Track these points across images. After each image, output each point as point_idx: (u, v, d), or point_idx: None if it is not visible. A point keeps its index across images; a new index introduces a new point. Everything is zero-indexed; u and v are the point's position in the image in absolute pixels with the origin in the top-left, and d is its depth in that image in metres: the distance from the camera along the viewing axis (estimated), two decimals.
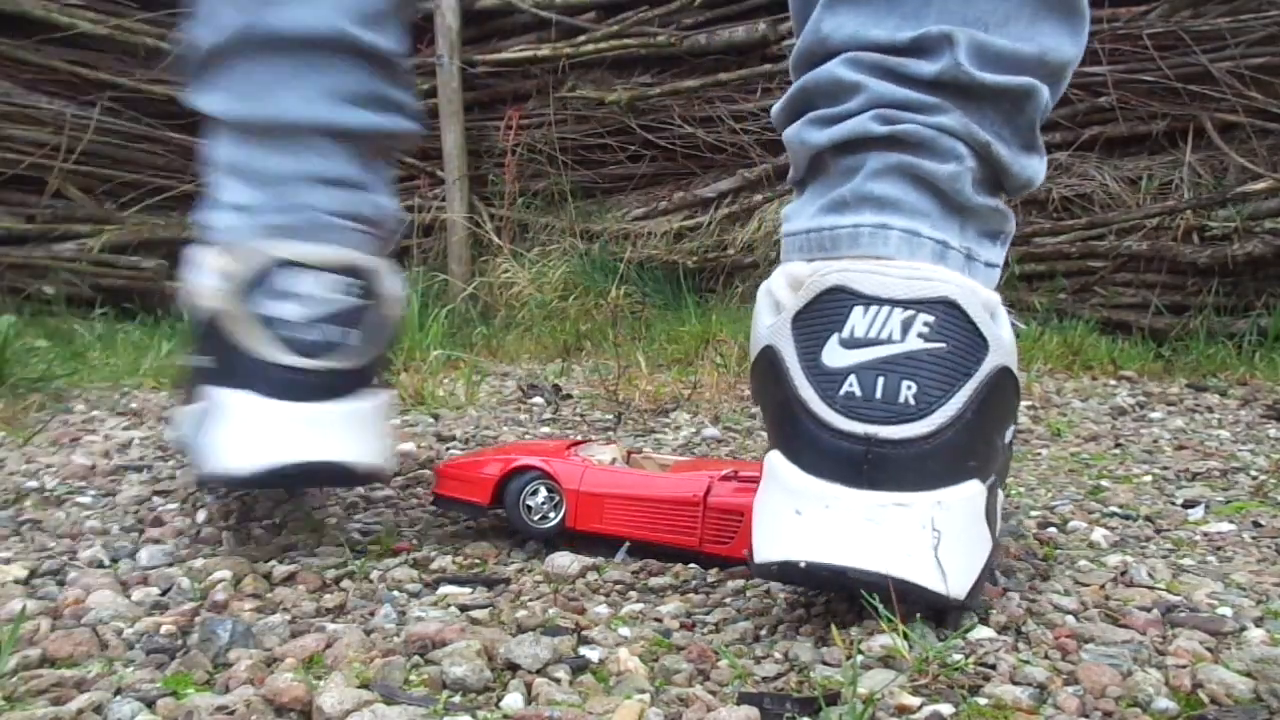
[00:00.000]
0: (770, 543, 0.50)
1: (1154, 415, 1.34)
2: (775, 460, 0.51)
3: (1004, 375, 0.50)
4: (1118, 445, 1.13)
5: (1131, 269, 2.18)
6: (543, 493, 0.67)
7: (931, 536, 0.47)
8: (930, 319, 0.48)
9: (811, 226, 0.53)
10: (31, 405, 1.24)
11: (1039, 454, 1.07)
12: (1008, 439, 0.53)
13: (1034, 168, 0.56)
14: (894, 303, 0.49)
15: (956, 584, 0.48)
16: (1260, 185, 2.07)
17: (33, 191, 2.59)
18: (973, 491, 0.49)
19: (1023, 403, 1.38)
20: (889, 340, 0.49)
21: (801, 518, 0.49)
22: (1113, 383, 1.64)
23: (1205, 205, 2.11)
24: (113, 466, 0.92)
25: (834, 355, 0.49)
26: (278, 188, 0.64)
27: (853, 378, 0.49)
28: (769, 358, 0.52)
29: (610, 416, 1.22)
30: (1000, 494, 0.56)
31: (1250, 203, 2.07)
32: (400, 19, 0.67)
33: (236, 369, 0.62)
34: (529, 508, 0.67)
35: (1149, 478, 0.95)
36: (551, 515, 0.66)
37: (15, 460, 0.95)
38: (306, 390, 0.62)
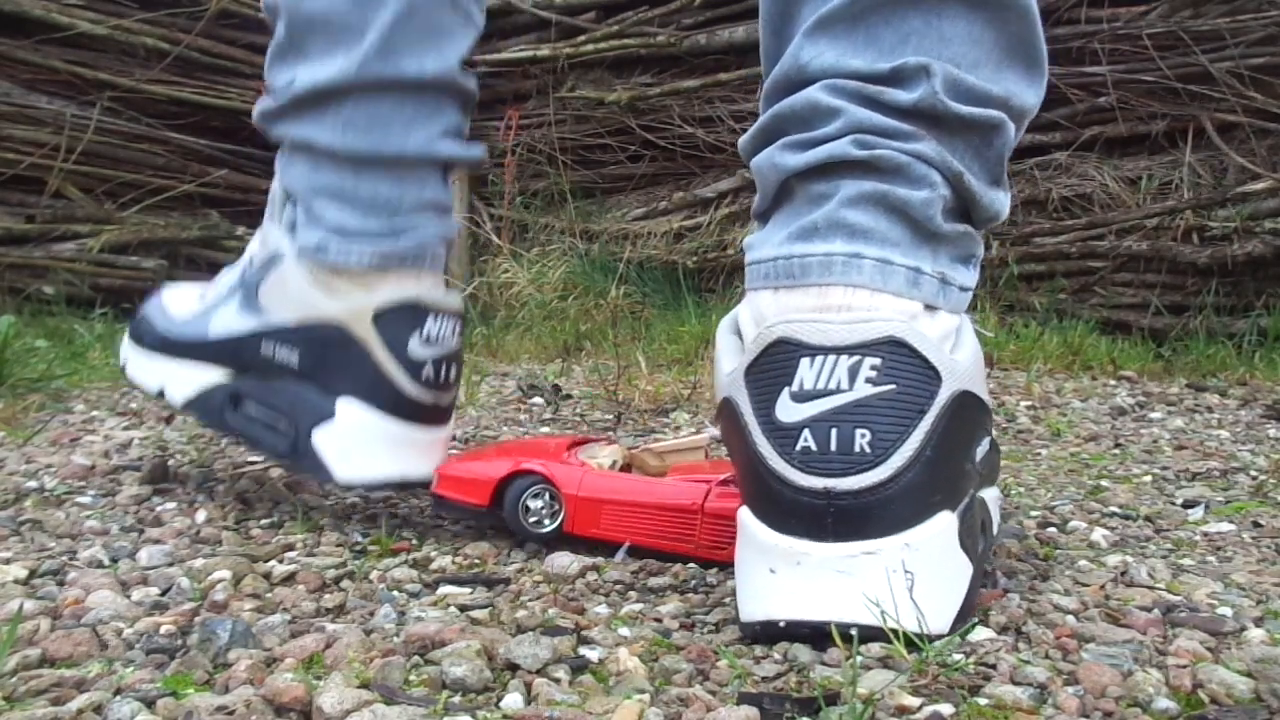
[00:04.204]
0: (751, 602, 0.51)
1: (1154, 415, 1.34)
2: (745, 518, 0.51)
3: (964, 399, 0.50)
4: (1118, 445, 1.13)
5: (1131, 269, 2.19)
6: (542, 497, 0.67)
7: (905, 579, 0.47)
8: (876, 361, 0.48)
9: (780, 254, 0.53)
10: (31, 405, 1.24)
11: (1039, 454, 1.07)
12: (979, 456, 0.53)
13: (1001, 201, 0.56)
14: (839, 350, 0.49)
15: (936, 621, 0.48)
16: (1260, 185, 2.08)
17: (33, 191, 2.59)
18: (942, 525, 0.49)
19: (1023, 403, 1.38)
20: (838, 390, 0.48)
21: (775, 576, 0.49)
22: (1113, 383, 1.64)
23: (1205, 205, 2.12)
24: (113, 466, 0.92)
25: (786, 410, 0.49)
26: (389, 214, 0.71)
27: (806, 432, 0.49)
28: (729, 409, 0.52)
29: (610, 416, 1.23)
30: (991, 502, 0.56)
31: (1250, 203, 2.07)
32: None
33: (358, 380, 0.71)
34: (527, 509, 0.67)
35: (1149, 478, 0.95)
36: (549, 521, 0.67)
37: (15, 460, 0.95)
38: (424, 416, 0.73)
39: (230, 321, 0.76)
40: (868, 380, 0.48)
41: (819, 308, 0.51)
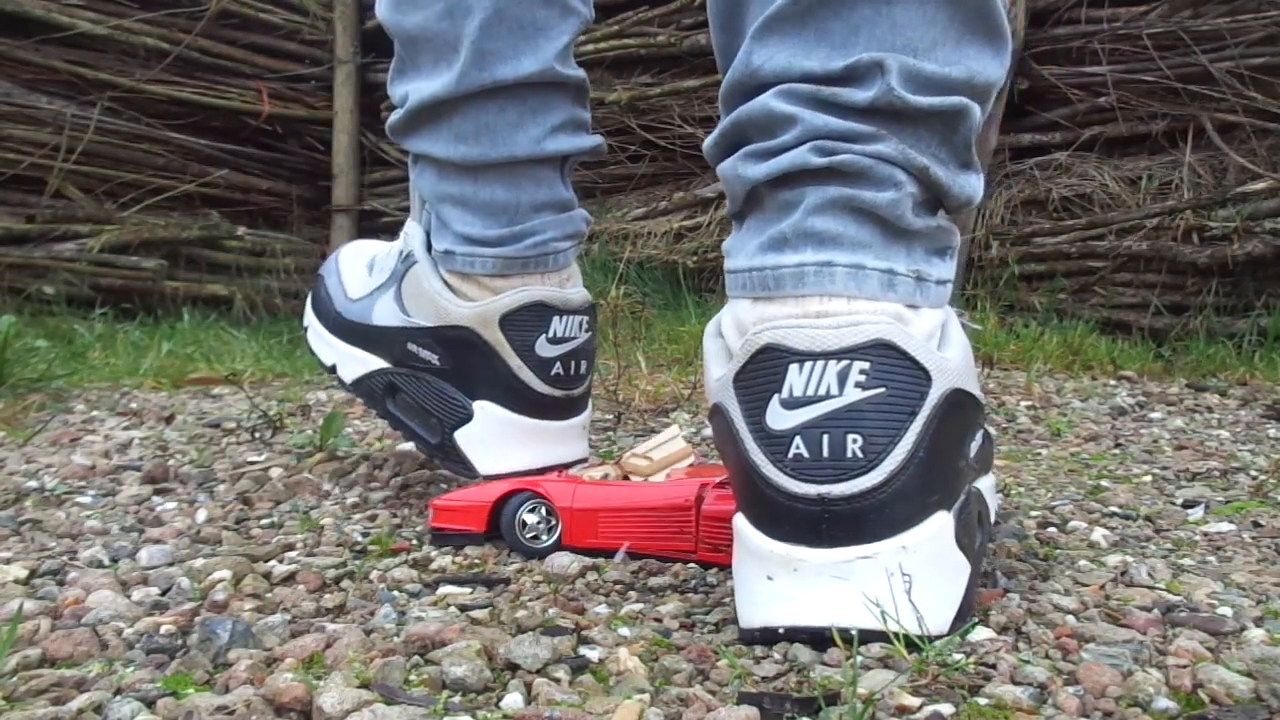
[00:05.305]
0: (750, 610, 0.51)
1: (1154, 415, 1.34)
2: (741, 525, 0.51)
3: (955, 397, 0.50)
4: (1118, 445, 1.13)
5: (1131, 269, 2.18)
6: (538, 513, 0.67)
7: (902, 582, 0.47)
8: (865, 365, 0.48)
9: (754, 265, 0.53)
10: (31, 405, 1.24)
11: (1039, 454, 1.07)
12: (973, 453, 0.53)
13: (973, 185, 0.55)
14: (827, 355, 0.48)
15: (935, 622, 0.48)
16: (1260, 185, 2.07)
17: (33, 191, 2.59)
18: (938, 525, 0.49)
19: (1023, 403, 1.38)
20: (828, 396, 0.48)
21: (773, 583, 0.49)
22: (1113, 383, 1.64)
23: (1205, 205, 2.11)
24: (113, 466, 0.92)
25: (777, 417, 0.49)
26: (508, 218, 0.74)
27: (798, 439, 0.48)
28: (720, 415, 0.52)
29: (610, 416, 1.22)
30: (986, 491, 0.56)
31: (1250, 203, 2.07)
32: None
33: (491, 383, 0.75)
34: (524, 525, 0.67)
35: (1149, 478, 0.95)
36: (545, 536, 0.67)
37: (15, 460, 0.95)
38: (556, 410, 0.77)
39: (386, 312, 0.80)
40: (857, 385, 0.48)
41: (799, 315, 0.50)
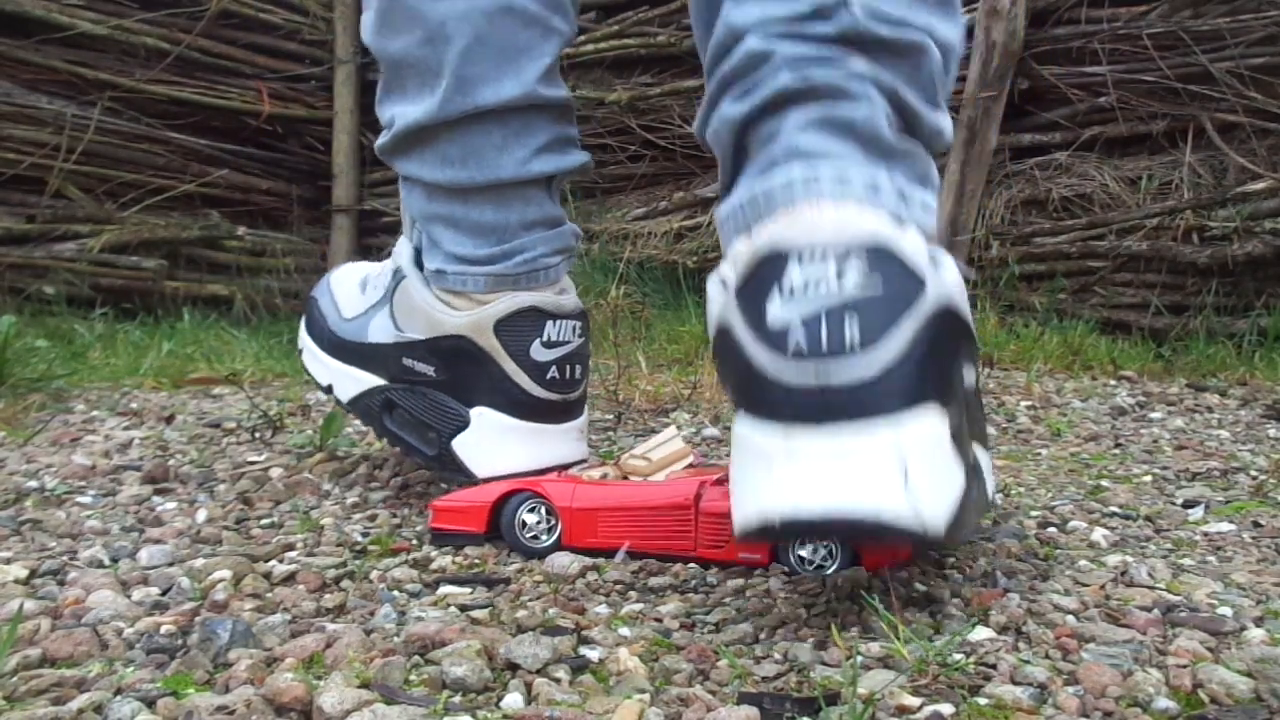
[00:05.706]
0: (746, 503, 0.51)
1: (1154, 415, 1.34)
2: (740, 428, 0.52)
3: (950, 316, 0.51)
4: (1118, 445, 1.13)
5: (1131, 269, 2.18)
6: (538, 513, 0.67)
7: (898, 466, 0.48)
8: (863, 263, 0.49)
9: (745, 198, 0.55)
10: (31, 405, 1.25)
11: (1039, 454, 1.07)
12: (969, 382, 0.54)
13: (942, 120, 0.59)
14: (827, 250, 0.50)
15: (932, 513, 0.48)
16: (1260, 185, 2.07)
17: (33, 191, 2.59)
18: (933, 418, 0.49)
19: (1023, 403, 1.38)
20: (827, 288, 0.49)
21: (771, 473, 0.49)
22: (1113, 383, 1.64)
23: (1205, 205, 2.11)
24: (113, 466, 0.92)
25: (777, 311, 0.50)
26: (498, 238, 0.75)
27: (798, 328, 0.49)
28: (723, 336, 0.53)
29: (610, 416, 1.22)
30: (985, 468, 0.56)
31: (1250, 203, 2.07)
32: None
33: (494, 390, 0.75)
34: (524, 525, 0.67)
35: (1149, 478, 0.95)
36: (545, 536, 0.67)
37: (15, 460, 0.95)
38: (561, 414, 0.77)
39: (381, 329, 0.81)
40: (855, 280, 0.49)
41: (791, 223, 0.51)
